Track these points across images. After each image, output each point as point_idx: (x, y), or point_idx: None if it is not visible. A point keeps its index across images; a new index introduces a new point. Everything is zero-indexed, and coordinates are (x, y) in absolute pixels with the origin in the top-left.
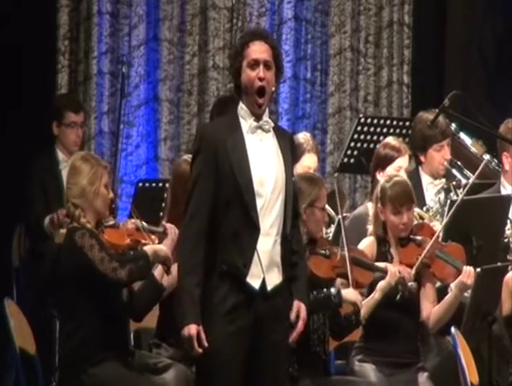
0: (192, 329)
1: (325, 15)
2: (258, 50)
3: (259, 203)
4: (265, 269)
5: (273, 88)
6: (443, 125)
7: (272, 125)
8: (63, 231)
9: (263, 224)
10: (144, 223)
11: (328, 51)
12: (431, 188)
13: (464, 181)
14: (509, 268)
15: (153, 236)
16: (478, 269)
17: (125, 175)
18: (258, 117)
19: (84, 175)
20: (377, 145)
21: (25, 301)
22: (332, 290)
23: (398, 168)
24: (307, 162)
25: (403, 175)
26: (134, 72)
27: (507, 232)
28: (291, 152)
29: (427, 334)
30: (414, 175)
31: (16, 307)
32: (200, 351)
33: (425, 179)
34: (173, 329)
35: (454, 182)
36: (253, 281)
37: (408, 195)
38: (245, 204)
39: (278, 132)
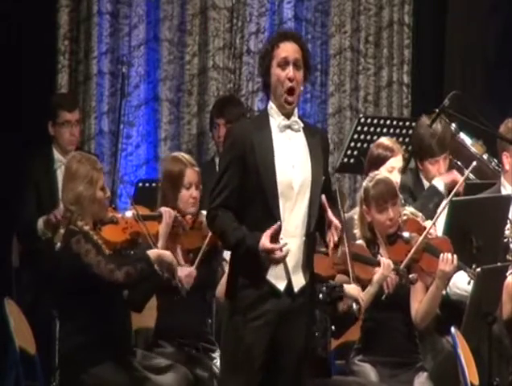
0: (260, 245)
1: (325, 15)
2: (288, 49)
3: (284, 203)
4: (291, 271)
5: (301, 89)
6: (441, 138)
7: (301, 124)
8: (62, 231)
9: (288, 225)
10: (141, 212)
11: (328, 51)
12: None
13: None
14: (510, 268)
15: (152, 223)
16: (478, 269)
17: (125, 175)
18: (287, 116)
19: (80, 181)
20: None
21: (25, 301)
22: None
23: (391, 168)
24: None
25: (396, 175)
26: (134, 72)
27: (507, 232)
28: (322, 150)
29: (424, 334)
30: (414, 175)
31: (16, 307)
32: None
33: (425, 183)
34: (173, 329)
35: None
36: (279, 283)
37: (391, 191)
38: (268, 204)
39: (309, 130)
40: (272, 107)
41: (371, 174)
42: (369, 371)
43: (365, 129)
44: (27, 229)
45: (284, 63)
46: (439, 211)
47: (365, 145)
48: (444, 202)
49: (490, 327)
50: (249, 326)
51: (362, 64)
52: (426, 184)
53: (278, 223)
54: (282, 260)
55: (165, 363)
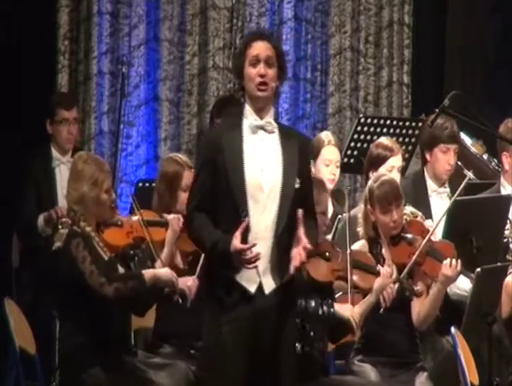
0: (232, 248)
1: (325, 15)
2: (259, 48)
3: (254, 206)
4: (261, 273)
5: (273, 84)
6: (452, 131)
7: (276, 126)
8: (62, 231)
9: (258, 227)
10: (148, 218)
11: (328, 51)
12: (435, 195)
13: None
14: (510, 268)
15: (158, 230)
16: (478, 269)
17: (125, 175)
18: (260, 114)
19: (85, 182)
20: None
21: (25, 301)
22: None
23: (391, 168)
24: (327, 155)
25: (396, 175)
26: (134, 72)
27: (507, 232)
28: (299, 153)
29: (424, 334)
30: (419, 178)
31: (16, 307)
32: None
33: (430, 185)
34: (172, 329)
35: None
36: (249, 285)
37: (396, 192)
38: (236, 206)
39: (285, 133)
40: (247, 108)
41: (376, 175)
42: (369, 371)
43: (365, 129)
44: (28, 226)
45: (256, 61)
46: (443, 212)
47: (365, 145)
48: (444, 202)
49: (490, 327)
50: (226, 330)
51: (362, 64)
52: (430, 185)
53: (244, 220)
54: (254, 261)
55: (165, 361)
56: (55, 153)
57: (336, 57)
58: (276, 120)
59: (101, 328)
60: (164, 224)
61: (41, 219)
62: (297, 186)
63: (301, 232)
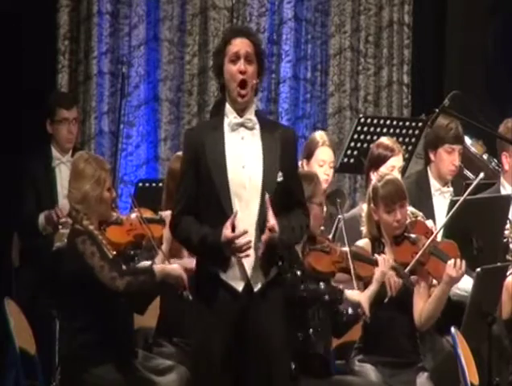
0: (223, 237)
1: (325, 15)
2: (239, 44)
3: (238, 204)
4: (248, 271)
5: (254, 82)
6: (457, 132)
7: (256, 122)
8: (63, 231)
9: (243, 225)
10: (145, 215)
11: (328, 51)
12: (438, 194)
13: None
14: (510, 268)
15: (156, 226)
16: (478, 269)
17: (126, 175)
18: (241, 113)
19: (87, 181)
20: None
21: (25, 301)
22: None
23: (392, 167)
24: (321, 156)
25: (397, 175)
26: (134, 72)
27: (507, 232)
28: (281, 148)
29: (424, 334)
30: (422, 178)
31: (16, 307)
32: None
33: (433, 185)
34: (174, 328)
35: None
36: (237, 283)
37: (400, 192)
38: (221, 205)
39: (267, 128)
40: (227, 106)
41: (380, 174)
42: (370, 371)
43: (365, 129)
44: (28, 225)
45: (235, 58)
46: (449, 214)
47: (365, 145)
48: (445, 201)
49: (490, 327)
50: (213, 329)
51: (362, 64)
52: (434, 184)
53: (235, 212)
54: (245, 249)
55: (166, 363)
56: (55, 152)
57: (336, 57)
58: (257, 114)
59: (103, 328)
60: (161, 222)
61: (42, 217)
62: (279, 179)
63: (270, 214)
